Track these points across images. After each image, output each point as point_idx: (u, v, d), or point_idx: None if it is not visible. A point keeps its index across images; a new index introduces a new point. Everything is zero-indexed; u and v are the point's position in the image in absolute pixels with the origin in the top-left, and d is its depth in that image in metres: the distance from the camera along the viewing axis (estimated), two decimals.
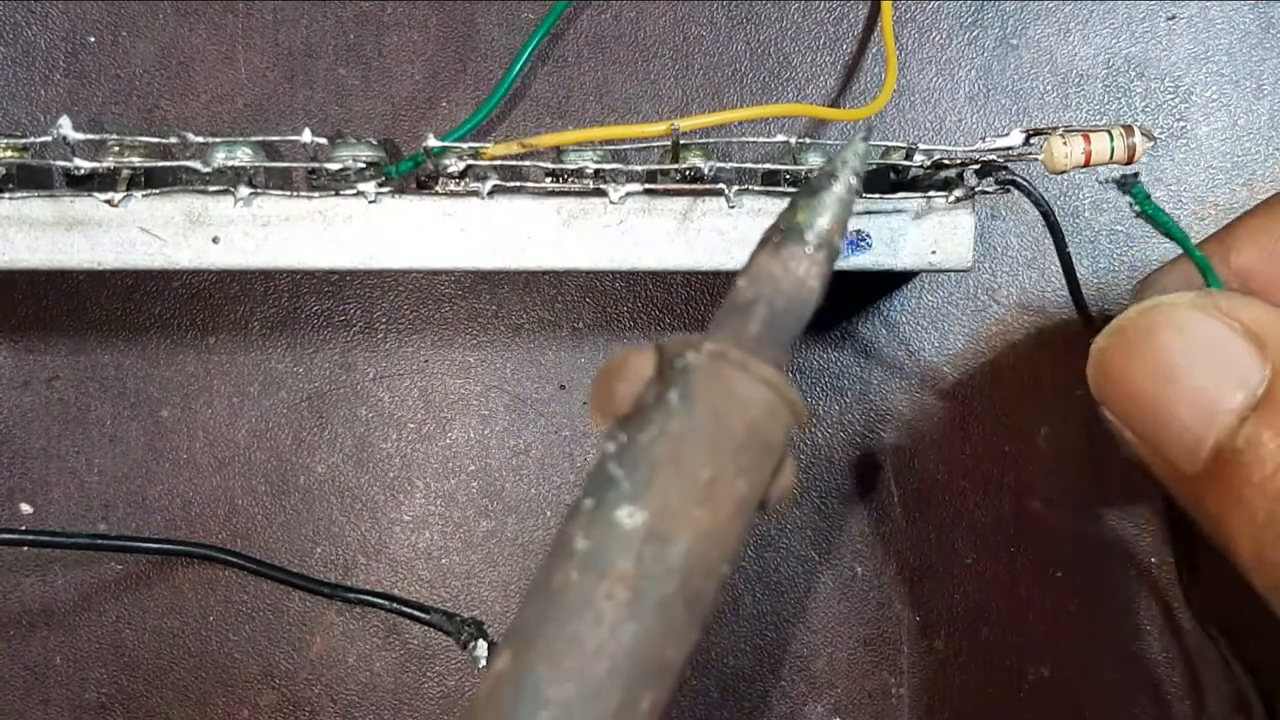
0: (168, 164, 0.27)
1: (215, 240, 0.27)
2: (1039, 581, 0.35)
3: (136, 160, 0.27)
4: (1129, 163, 0.27)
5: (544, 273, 0.33)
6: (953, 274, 0.34)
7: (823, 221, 0.20)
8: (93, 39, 0.32)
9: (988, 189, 0.28)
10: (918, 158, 0.28)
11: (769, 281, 0.20)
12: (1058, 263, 0.33)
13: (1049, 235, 0.28)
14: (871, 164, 0.29)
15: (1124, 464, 0.34)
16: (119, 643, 0.33)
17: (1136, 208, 0.26)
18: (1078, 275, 0.29)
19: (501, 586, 0.34)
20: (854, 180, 0.20)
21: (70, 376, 0.32)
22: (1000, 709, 0.35)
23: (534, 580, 0.18)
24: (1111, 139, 0.26)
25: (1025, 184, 0.28)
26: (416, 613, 0.32)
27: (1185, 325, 0.20)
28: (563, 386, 0.33)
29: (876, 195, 0.28)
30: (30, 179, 0.27)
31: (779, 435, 0.19)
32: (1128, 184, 0.26)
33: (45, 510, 0.33)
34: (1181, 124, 0.34)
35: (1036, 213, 0.28)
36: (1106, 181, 0.26)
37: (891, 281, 0.34)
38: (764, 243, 0.20)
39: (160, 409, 0.33)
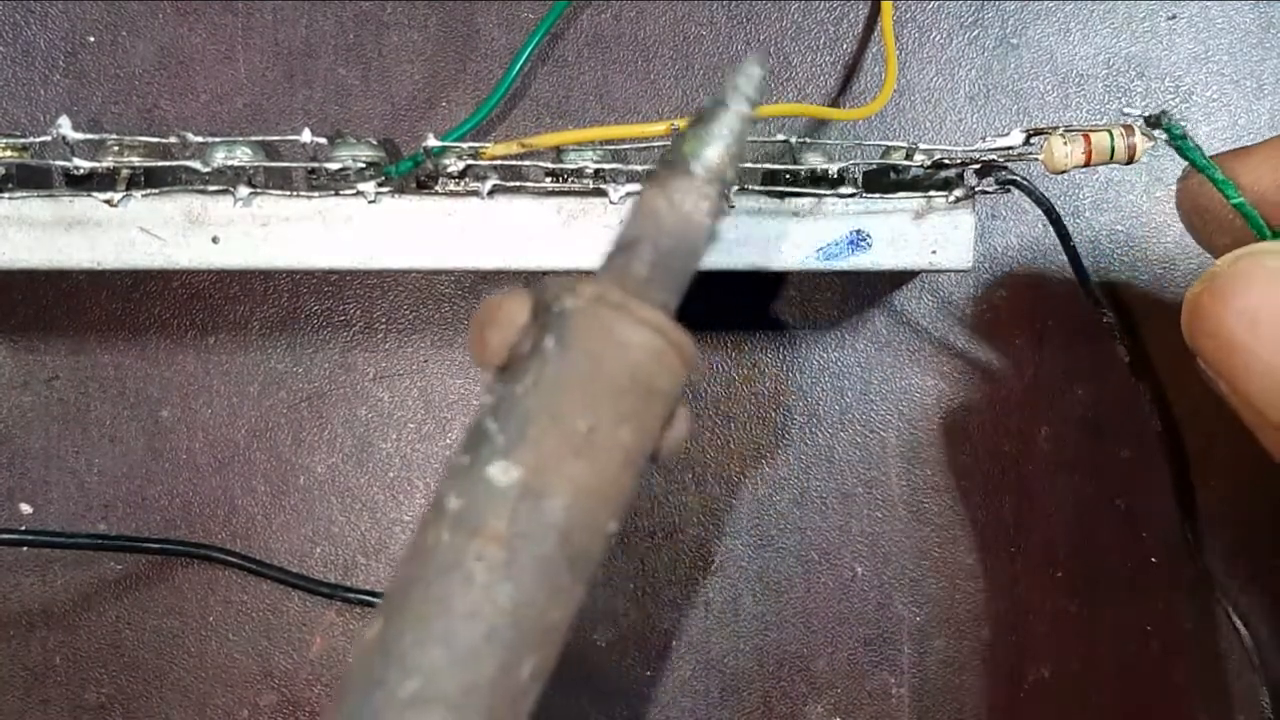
0: (167, 164, 0.27)
1: (215, 240, 0.27)
2: (1039, 581, 0.35)
3: (136, 160, 0.27)
4: (1129, 163, 0.27)
5: (544, 273, 0.33)
6: (953, 274, 0.34)
7: (711, 152, 0.19)
8: (92, 39, 0.32)
9: (988, 189, 0.28)
10: (918, 157, 0.28)
11: (653, 218, 0.19)
12: (1057, 263, 0.33)
13: (1049, 236, 0.28)
14: (872, 164, 0.29)
15: (1124, 463, 0.34)
16: (119, 643, 0.33)
17: (1174, 143, 0.25)
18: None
19: None
20: (747, 107, 0.19)
21: (70, 376, 0.32)
22: (1000, 709, 0.35)
23: (408, 543, 0.17)
24: (1112, 139, 0.26)
25: (1025, 182, 0.28)
26: None
27: (1276, 273, 0.21)
28: None
29: (877, 195, 0.28)
30: (30, 179, 0.27)
31: (666, 380, 0.18)
32: (1160, 121, 0.25)
33: (45, 510, 0.33)
34: (1182, 124, 0.33)
35: (1036, 213, 0.28)
36: (1138, 117, 0.26)
37: (892, 281, 0.34)
38: (649, 177, 0.19)
39: (160, 409, 0.33)
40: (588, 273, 0.19)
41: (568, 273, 0.33)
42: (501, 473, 0.17)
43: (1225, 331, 0.21)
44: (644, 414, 0.18)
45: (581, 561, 0.17)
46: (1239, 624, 0.32)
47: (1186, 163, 0.25)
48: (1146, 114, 0.26)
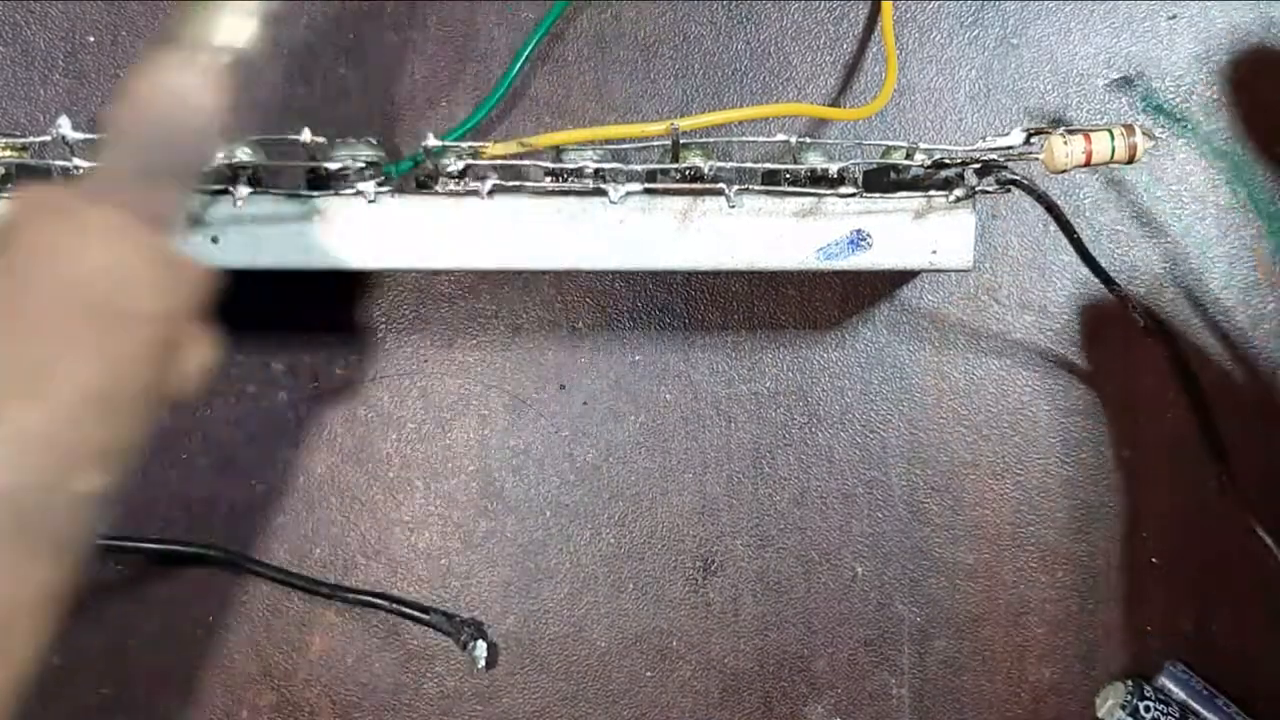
0: None
1: (214, 240, 0.27)
2: (1039, 581, 0.34)
3: None
4: (1130, 162, 0.27)
5: (544, 273, 0.33)
6: (953, 274, 0.33)
7: (215, 27, 0.16)
8: (92, 39, 0.32)
9: (988, 188, 0.28)
10: (918, 157, 0.28)
11: (141, 107, 0.16)
12: (1058, 262, 0.33)
13: (1049, 235, 0.28)
14: (872, 164, 0.29)
15: (1125, 462, 0.34)
16: (119, 643, 0.33)
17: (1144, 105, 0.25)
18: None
19: (501, 586, 0.33)
20: None
21: None
22: (1001, 710, 0.35)
23: None
24: (1112, 138, 0.26)
25: (1025, 180, 0.28)
26: (416, 613, 0.32)
27: None
28: (563, 386, 0.33)
29: (877, 195, 0.28)
30: (29, 178, 0.27)
31: (143, 299, 0.15)
32: (1130, 81, 0.25)
33: None
34: (1182, 123, 0.33)
35: (1036, 213, 0.28)
36: (1109, 85, 0.26)
37: (892, 281, 0.34)
38: (148, 61, 0.16)
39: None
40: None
41: (568, 272, 0.33)
42: None
43: None
44: (108, 342, 0.14)
45: (36, 527, 0.13)
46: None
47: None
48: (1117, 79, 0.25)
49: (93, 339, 0.14)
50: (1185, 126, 0.24)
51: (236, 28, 0.16)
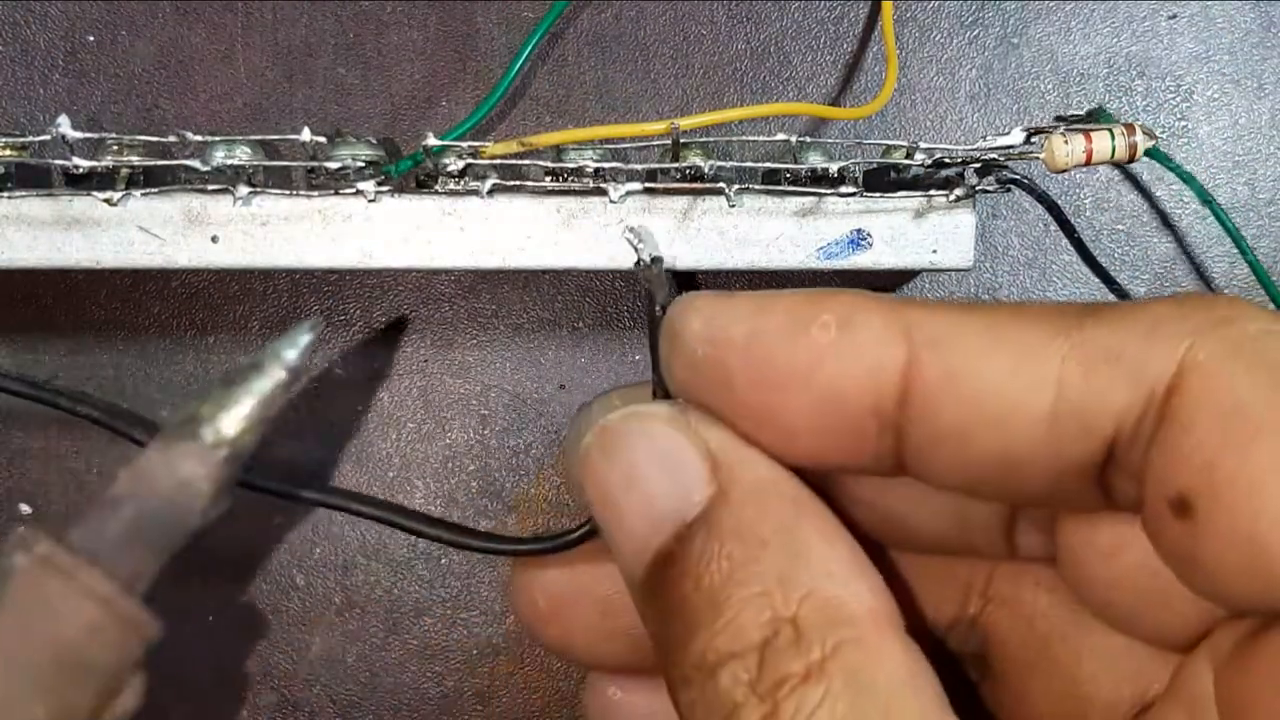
0: (167, 163, 0.27)
1: (214, 239, 0.27)
2: None
3: (135, 159, 0.27)
4: (1130, 161, 0.27)
5: (544, 272, 0.33)
6: (953, 274, 0.33)
7: (228, 420, 0.18)
8: (92, 38, 0.32)
9: (989, 188, 0.28)
10: (918, 156, 0.28)
11: (146, 480, 0.18)
12: (1059, 262, 0.33)
13: (1050, 235, 0.28)
14: (872, 163, 0.29)
15: None
16: None
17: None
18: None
19: (501, 586, 0.33)
20: (283, 374, 0.18)
21: (69, 376, 0.32)
22: None
23: None
24: (1113, 138, 0.26)
25: (1025, 180, 0.28)
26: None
27: (654, 434, 0.20)
28: (563, 386, 0.33)
29: (877, 194, 0.28)
30: (29, 178, 0.27)
31: (105, 656, 0.17)
32: (1094, 115, 0.26)
33: (45, 510, 0.33)
34: (1183, 123, 0.34)
35: (1037, 212, 0.28)
36: (1062, 119, 0.27)
37: (892, 281, 0.34)
38: (160, 432, 0.18)
39: (160, 409, 0.33)
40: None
41: (568, 272, 0.33)
42: None
43: (606, 489, 0.21)
44: (69, 691, 0.17)
45: None
46: None
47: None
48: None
49: (55, 688, 0.17)
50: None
51: (243, 420, 0.18)
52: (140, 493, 0.18)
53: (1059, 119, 0.27)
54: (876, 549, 0.20)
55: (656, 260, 0.24)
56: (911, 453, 0.20)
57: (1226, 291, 0.34)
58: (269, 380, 0.18)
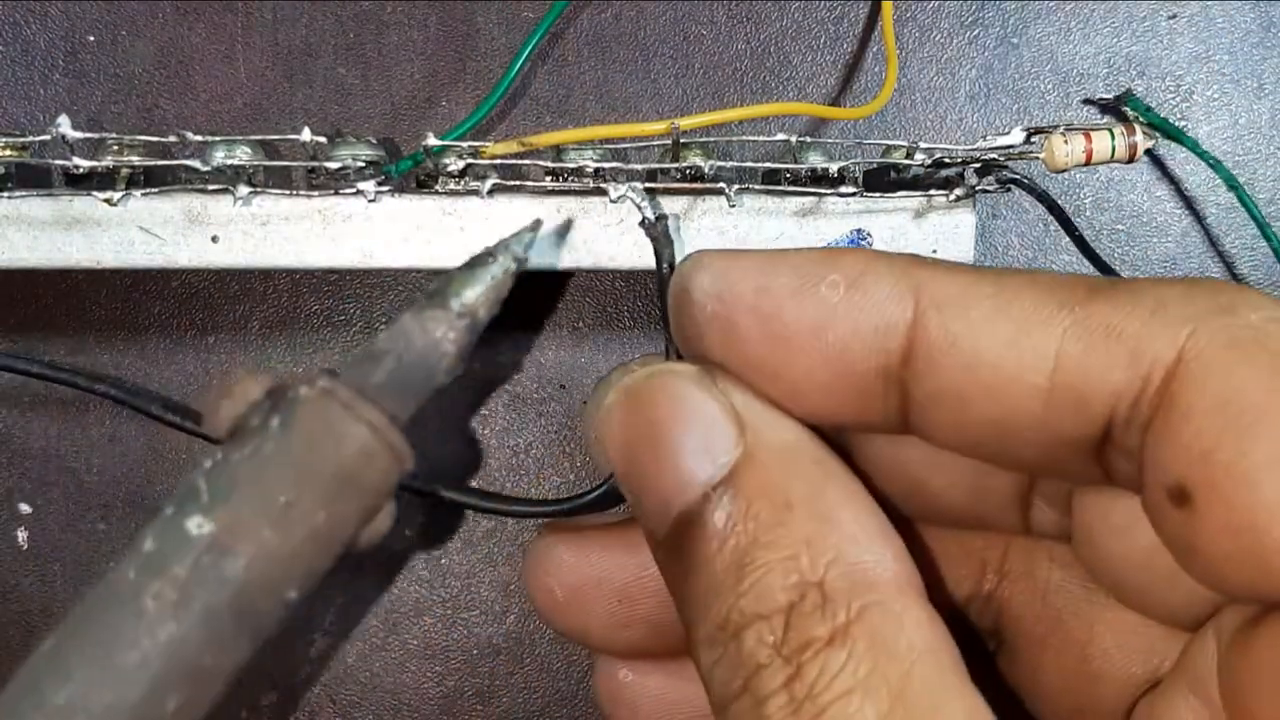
0: (167, 163, 0.27)
1: (214, 239, 0.27)
2: None
3: (135, 159, 0.27)
4: (1130, 161, 0.27)
5: (543, 271, 0.33)
6: None
7: (470, 293, 0.21)
8: (92, 38, 0.32)
9: (989, 188, 0.28)
10: (918, 156, 0.28)
11: (404, 337, 0.21)
12: (1059, 262, 0.33)
13: (1050, 235, 0.28)
14: (872, 163, 0.29)
15: None
16: None
17: (1142, 119, 0.26)
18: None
19: (501, 586, 0.33)
20: (513, 265, 0.21)
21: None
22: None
23: (104, 573, 0.19)
24: (1113, 137, 0.26)
25: (1025, 180, 0.28)
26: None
27: (681, 395, 0.20)
28: (563, 386, 0.33)
29: (877, 194, 0.28)
30: (29, 178, 0.27)
31: (374, 478, 0.19)
32: (1121, 100, 0.27)
33: (45, 510, 0.33)
34: (1183, 123, 0.33)
35: (1037, 212, 0.28)
36: (1090, 103, 0.27)
37: None
38: (413, 304, 0.21)
39: None
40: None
41: (567, 272, 0.33)
42: (196, 526, 0.18)
43: (631, 448, 0.21)
44: (345, 503, 0.19)
45: (250, 618, 0.19)
46: None
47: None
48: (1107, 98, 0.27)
49: (335, 498, 0.19)
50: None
51: (483, 294, 0.21)
52: (397, 348, 0.20)
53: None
54: (897, 521, 0.20)
55: (661, 218, 0.26)
56: (915, 411, 0.20)
57: None
58: (501, 267, 0.21)
